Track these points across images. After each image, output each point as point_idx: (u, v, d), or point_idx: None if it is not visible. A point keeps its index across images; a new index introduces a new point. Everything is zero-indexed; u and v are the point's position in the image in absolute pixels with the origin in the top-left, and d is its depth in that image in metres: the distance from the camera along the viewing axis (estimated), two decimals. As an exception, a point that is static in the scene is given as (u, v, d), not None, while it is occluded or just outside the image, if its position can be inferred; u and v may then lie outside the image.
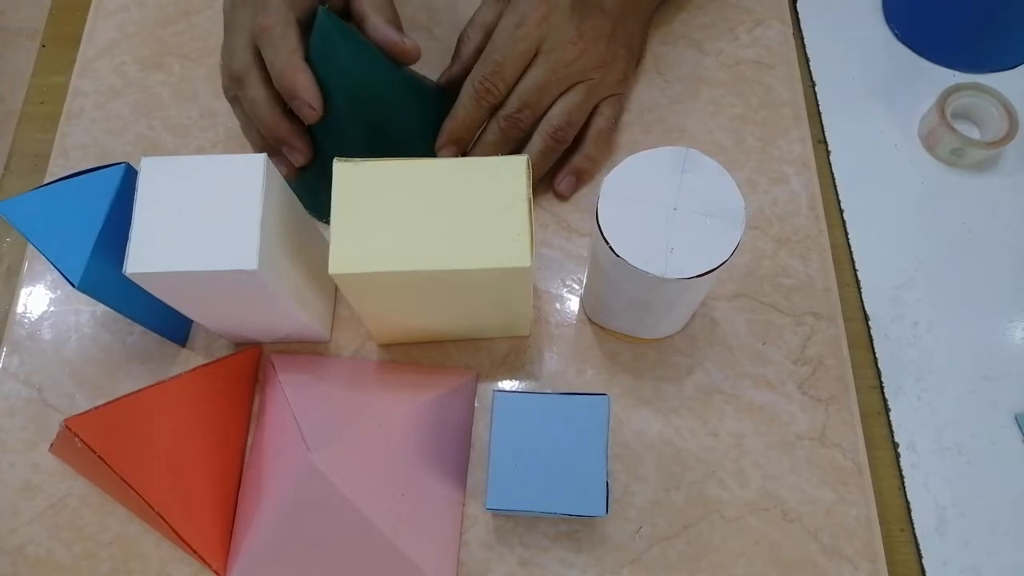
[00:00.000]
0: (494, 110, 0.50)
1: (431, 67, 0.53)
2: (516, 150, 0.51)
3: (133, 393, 0.42)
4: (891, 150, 0.55)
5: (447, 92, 0.52)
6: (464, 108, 0.50)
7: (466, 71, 0.51)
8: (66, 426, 0.39)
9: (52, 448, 0.41)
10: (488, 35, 0.51)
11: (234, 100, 0.49)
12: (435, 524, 0.43)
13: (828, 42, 0.59)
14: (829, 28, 0.59)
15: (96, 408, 0.40)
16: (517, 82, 0.49)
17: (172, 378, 0.44)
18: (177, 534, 0.41)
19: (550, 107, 0.50)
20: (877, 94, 0.57)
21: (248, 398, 0.48)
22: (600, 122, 0.52)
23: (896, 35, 0.59)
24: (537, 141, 0.50)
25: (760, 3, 0.59)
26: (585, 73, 0.50)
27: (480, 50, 0.51)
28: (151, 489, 0.41)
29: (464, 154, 0.51)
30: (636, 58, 0.55)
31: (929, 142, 0.54)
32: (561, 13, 0.48)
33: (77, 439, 0.39)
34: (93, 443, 0.39)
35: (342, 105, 0.46)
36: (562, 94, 0.50)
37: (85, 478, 0.46)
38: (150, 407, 0.43)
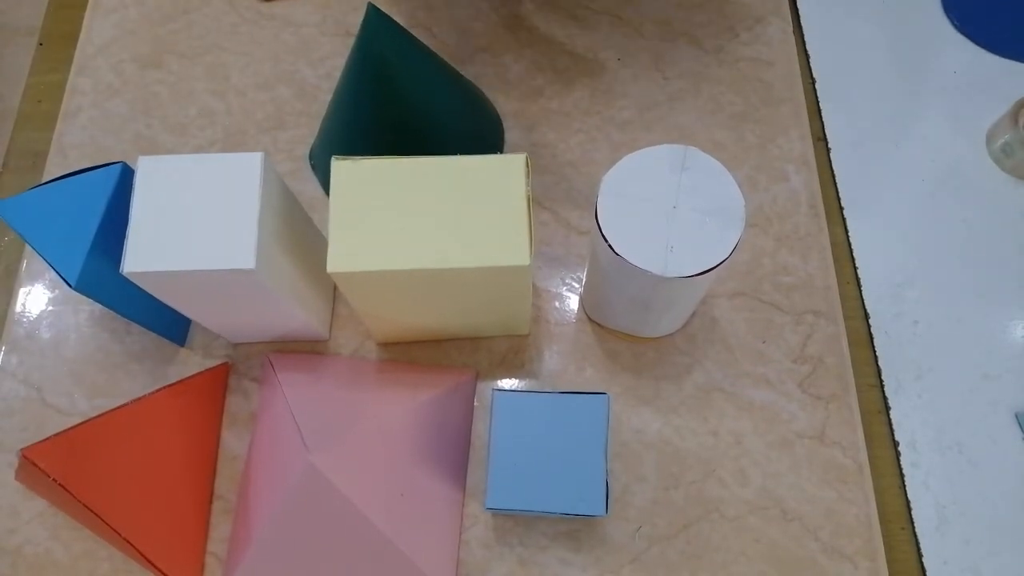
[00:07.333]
0: None
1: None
2: None
3: (94, 418, 0.41)
4: (892, 147, 0.55)
5: (480, 91, 0.51)
6: None
7: None
8: (24, 456, 0.38)
9: (16, 477, 0.40)
10: None
11: None
12: (435, 524, 0.43)
13: (828, 39, 0.59)
14: (829, 25, 0.59)
15: (55, 435, 0.40)
16: None
17: (134, 401, 0.43)
18: (144, 556, 0.41)
19: None
20: (878, 91, 0.57)
21: (217, 415, 0.47)
22: None
23: (955, 26, 0.58)
24: None
25: (760, 0, 0.59)
26: None
27: None
28: (115, 514, 0.40)
29: None
30: None
31: (993, 134, 0.54)
32: None
33: (36, 467, 0.38)
34: (53, 471, 0.38)
35: (383, 101, 0.45)
36: None
37: (54, 505, 0.44)
38: (113, 431, 0.42)
